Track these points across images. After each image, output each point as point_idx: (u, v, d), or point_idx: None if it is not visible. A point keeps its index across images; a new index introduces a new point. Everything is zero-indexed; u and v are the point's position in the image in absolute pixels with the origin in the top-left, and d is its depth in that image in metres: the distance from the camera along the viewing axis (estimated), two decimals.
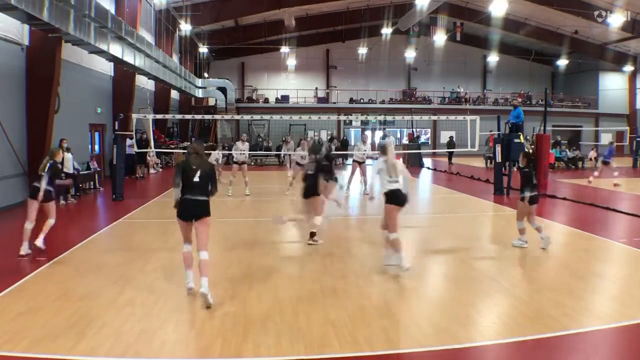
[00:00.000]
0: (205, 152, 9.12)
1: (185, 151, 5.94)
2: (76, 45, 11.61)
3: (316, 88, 34.92)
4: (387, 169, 6.11)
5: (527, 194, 7.06)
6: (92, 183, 13.92)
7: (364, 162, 13.28)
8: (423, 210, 11.98)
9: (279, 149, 25.44)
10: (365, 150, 13.31)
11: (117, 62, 14.34)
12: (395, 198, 6.06)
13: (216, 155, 13.05)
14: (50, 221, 7.00)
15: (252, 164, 24.46)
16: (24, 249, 6.70)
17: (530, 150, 16.60)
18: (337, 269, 6.25)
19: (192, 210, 5.17)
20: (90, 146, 15.76)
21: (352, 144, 33.38)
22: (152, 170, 19.20)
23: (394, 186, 6.09)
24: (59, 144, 11.39)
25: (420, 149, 26.95)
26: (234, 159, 13.39)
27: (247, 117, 19.51)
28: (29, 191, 7.18)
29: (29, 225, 6.77)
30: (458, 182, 16.70)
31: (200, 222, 5.16)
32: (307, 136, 28.36)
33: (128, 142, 15.10)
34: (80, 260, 6.63)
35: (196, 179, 5.16)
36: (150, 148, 16.62)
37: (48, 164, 6.96)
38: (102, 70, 16.57)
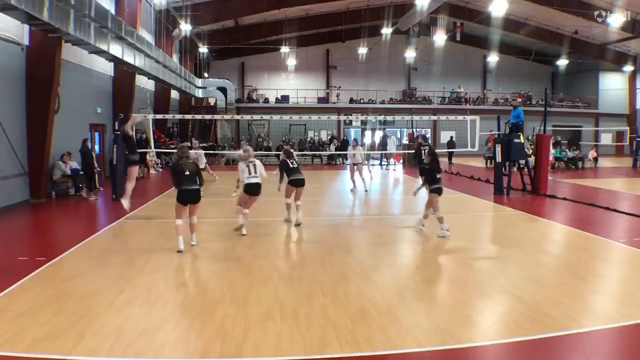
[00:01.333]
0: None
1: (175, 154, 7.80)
2: (76, 45, 11.60)
3: (330, 90, 34.90)
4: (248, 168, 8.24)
5: (434, 187, 8.18)
6: (92, 183, 13.92)
7: (359, 163, 14.14)
8: (423, 210, 11.95)
9: (279, 149, 25.44)
10: (354, 154, 14.20)
11: (117, 62, 14.34)
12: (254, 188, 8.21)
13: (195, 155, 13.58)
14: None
15: None
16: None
17: (530, 151, 16.68)
18: (337, 269, 6.25)
19: (190, 197, 7.17)
20: (90, 146, 15.75)
21: (352, 143, 33.53)
22: (152, 171, 19.20)
23: (252, 180, 8.21)
24: (84, 143, 13.32)
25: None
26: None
27: (247, 117, 19.48)
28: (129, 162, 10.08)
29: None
30: (458, 182, 16.70)
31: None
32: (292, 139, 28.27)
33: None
34: (80, 260, 6.63)
35: (187, 173, 7.10)
36: (150, 148, 16.63)
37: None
38: (102, 70, 16.57)
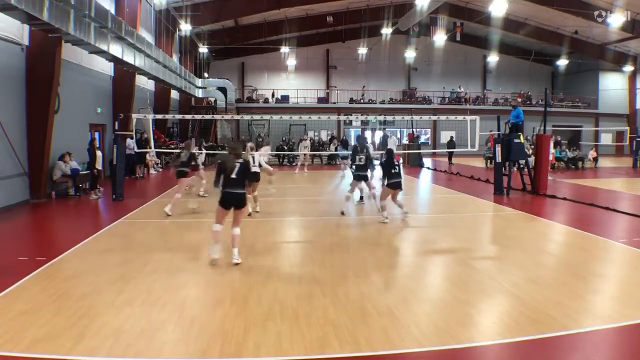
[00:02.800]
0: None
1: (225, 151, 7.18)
2: (76, 45, 11.60)
3: (330, 90, 34.87)
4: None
5: (386, 181, 9.32)
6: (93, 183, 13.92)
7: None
8: (423, 210, 11.98)
9: (279, 149, 25.46)
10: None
11: (117, 62, 14.34)
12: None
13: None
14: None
15: None
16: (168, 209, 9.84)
17: (530, 151, 16.68)
18: (337, 269, 6.25)
19: (233, 201, 6.40)
20: (97, 145, 15.74)
21: (352, 143, 33.53)
22: (152, 171, 19.20)
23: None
24: (91, 142, 13.41)
25: (420, 149, 26.95)
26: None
27: (247, 117, 19.48)
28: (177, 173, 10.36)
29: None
30: (458, 182, 16.70)
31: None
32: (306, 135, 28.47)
33: (129, 142, 15.14)
34: (80, 260, 6.63)
35: (234, 175, 6.30)
36: (150, 148, 16.63)
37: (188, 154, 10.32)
38: (102, 70, 16.57)
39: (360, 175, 10.21)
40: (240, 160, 6.38)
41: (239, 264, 6.31)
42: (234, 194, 6.33)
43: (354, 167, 10.52)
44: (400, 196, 9.71)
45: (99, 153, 13.01)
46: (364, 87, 35.12)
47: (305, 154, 20.25)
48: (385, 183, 9.35)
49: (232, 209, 6.43)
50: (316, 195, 13.43)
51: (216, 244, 6.51)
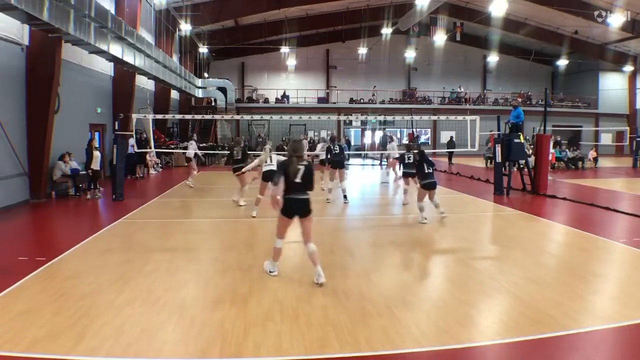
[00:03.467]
0: (238, 168, 11.18)
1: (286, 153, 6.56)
2: (76, 45, 11.60)
3: (330, 90, 34.86)
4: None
5: (421, 182, 9.39)
6: (92, 183, 13.92)
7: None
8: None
9: (279, 149, 25.43)
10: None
11: (117, 62, 14.34)
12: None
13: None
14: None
15: None
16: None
17: (530, 151, 16.68)
18: (337, 269, 6.25)
19: (298, 208, 5.72)
20: (97, 145, 15.74)
21: (353, 144, 33.56)
22: (152, 171, 19.20)
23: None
24: (89, 142, 13.03)
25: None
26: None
27: (247, 117, 19.48)
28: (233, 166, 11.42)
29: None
30: (458, 182, 16.70)
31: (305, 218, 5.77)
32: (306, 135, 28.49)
33: (130, 141, 15.14)
34: (80, 260, 6.63)
35: (298, 179, 5.65)
36: (150, 148, 16.64)
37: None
38: (102, 70, 16.57)
39: (337, 162, 11.92)
40: (305, 163, 5.76)
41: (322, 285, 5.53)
42: (299, 200, 5.68)
43: (329, 156, 12.33)
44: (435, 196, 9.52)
45: (96, 153, 12.74)
46: (374, 87, 35.08)
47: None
48: (420, 184, 9.39)
49: (295, 218, 5.76)
50: (315, 195, 13.41)
51: (276, 263, 5.95)
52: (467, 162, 25.60)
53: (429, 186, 9.30)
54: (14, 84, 11.13)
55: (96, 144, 13.29)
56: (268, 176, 9.38)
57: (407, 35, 32.55)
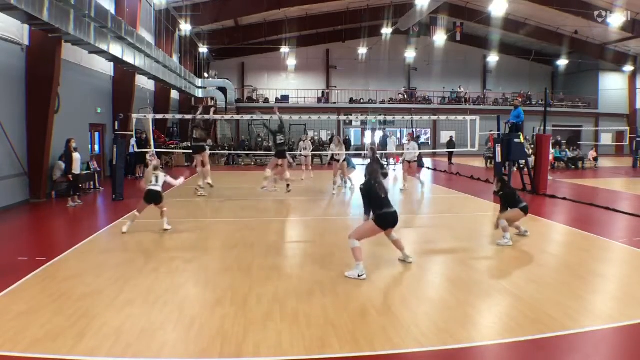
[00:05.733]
0: (198, 147, 10.20)
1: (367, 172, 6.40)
2: (76, 45, 11.60)
3: (330, 90, 34.83)
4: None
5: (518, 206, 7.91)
6: (92, 183, 13.92)
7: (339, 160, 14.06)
8: (423, 210, 11.98)
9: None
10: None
11: (117, 62, 14.34)
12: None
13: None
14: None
15: (252, 164, 24.53)
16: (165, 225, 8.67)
17: (530, 151, 16.68)
18: (337, 269, 6.24)
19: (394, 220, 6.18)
20: (90, 146, 15.77)
21: (353, 144, 33.56)
22: None
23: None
24: (67, 144, 11.51)
25: (420, 149, 26.90)
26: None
27: (247, 117, 19.45)
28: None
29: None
30: (458, 182, 16.70)
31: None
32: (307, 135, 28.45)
33: (131, 141, 15.11)
34: (80, 260, 6.63)
35: (384, 196, 6.03)
36: (150, 148, 16.62)
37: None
38: (102, 70, 16.57)
39: (280, 151, 11.97)
40: (385, 172, 5.99)
41: None
42: (394, 213, 6.14)
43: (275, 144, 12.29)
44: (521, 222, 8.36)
45: (76, 155, 11.30)
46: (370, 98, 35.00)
47: (305, 156, 18.69)
48: (519, 207, 7.85)
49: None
50: (316, 195, 13.42)
51: (360, 263, 5.90)
52: (467, 162, 25.60)
53: (524, 209, 7.84)
54: (14, 84, 11.13)
55: (74, 143, 11.43)
56: (148, 197, 8.45)
57: (407, 35, 32.54)
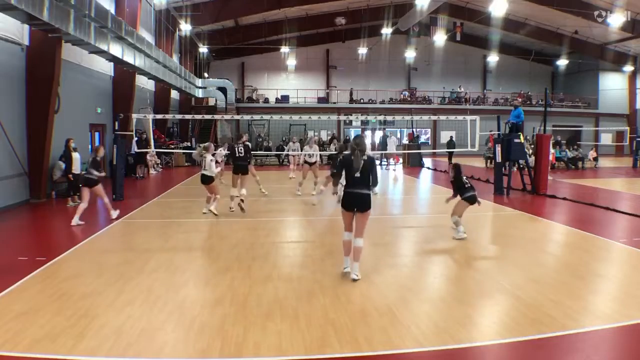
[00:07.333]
0: (204, 150, 9.91)
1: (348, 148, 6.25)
2: (76, 45, 11.61)
3: (330, 90, 34.81)
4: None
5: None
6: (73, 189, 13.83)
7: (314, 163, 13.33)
8: (423, 210, 11.98)
9: (279, 149, 25.47)
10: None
11: (117, 62, 14.34)
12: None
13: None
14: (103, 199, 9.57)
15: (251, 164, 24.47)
16: (75, 221, 8.90)
17: (530, 151, 16.68)
18: (337, 269, 6.24)
19: (357, 202, 5.78)
20: (90, 146, 15.76)
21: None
22: (152, 171, 19.20)
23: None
24: (66, 144, 11.62)
25: (420, 149, 26.94)
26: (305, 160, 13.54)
27: (247, 117, 19.46)
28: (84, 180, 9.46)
29: (83, 206, 9.11)
30: None
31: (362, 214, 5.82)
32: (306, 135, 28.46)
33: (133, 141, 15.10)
34: (80, 260, 6.63)
35: (357, 174, 5.71)
36: (150, 148, 16.64)
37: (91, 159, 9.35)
38: (102, 70, 16.57)
39: (239, 166, 10.32)
40: (365, 157, 5.72)
41: (357, 280, 5.65)
42: (359, 194, 5.72)
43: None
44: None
45: (75, 155, 11.39)
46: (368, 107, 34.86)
47: (293, 156, 17.91)
48: (463, 196, 8.18)
49: (354, 212, 5.80)
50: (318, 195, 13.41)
51: (347, 257, 5.91)
52: (467, 162, 25.58)
53: (471, 199, 8.17)
54: (14, 84, 11.13)
55: (73, 143, 11.53)
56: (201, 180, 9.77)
57: (407, 35, 32.54)
